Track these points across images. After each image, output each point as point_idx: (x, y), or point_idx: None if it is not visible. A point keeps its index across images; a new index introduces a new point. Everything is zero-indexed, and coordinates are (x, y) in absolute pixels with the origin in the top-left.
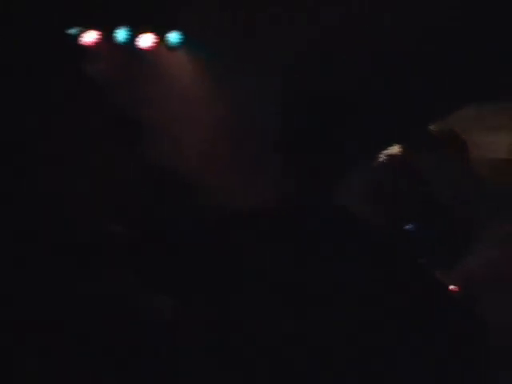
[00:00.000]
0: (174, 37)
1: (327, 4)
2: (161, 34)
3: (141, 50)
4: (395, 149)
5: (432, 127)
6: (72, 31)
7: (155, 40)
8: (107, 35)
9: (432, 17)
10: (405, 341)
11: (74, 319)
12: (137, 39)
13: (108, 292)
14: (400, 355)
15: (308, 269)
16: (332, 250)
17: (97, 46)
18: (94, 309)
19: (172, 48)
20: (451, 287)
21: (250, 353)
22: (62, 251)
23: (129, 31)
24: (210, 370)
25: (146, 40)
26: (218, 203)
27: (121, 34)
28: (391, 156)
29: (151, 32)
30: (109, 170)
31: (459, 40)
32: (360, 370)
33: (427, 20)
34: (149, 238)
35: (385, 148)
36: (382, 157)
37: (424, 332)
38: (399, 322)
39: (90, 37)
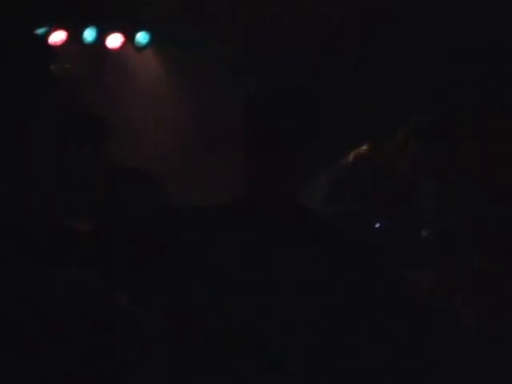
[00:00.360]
0: (141, 37)
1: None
2: (129, 34)
3: (108, 49)
4: (364, 148)
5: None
6: (40, 31)
7: (123, 40)
8: (75, 35)
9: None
10: (370, 339)
11: (32, 317)
12: (105, 39)
13: (69, 290)
14: (368, 351)
15: (266, 268)
16: (291, 250)
17: (65, 45)
18: (54, 307)
19: (140, 48)
20: (423, 287)
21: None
22: (22, 248)
23: (97, 31)
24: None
25: (114, 40)
26: (181, 202)
27: (89, 34)
28: (360, 155)
29: (119, 32)
30: (72, 168)
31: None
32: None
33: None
34: (110, 236)
35: (353, 147)
36: (351, 156)
37: (392, 333)
38: (363, 319)
39: (57, 36)
